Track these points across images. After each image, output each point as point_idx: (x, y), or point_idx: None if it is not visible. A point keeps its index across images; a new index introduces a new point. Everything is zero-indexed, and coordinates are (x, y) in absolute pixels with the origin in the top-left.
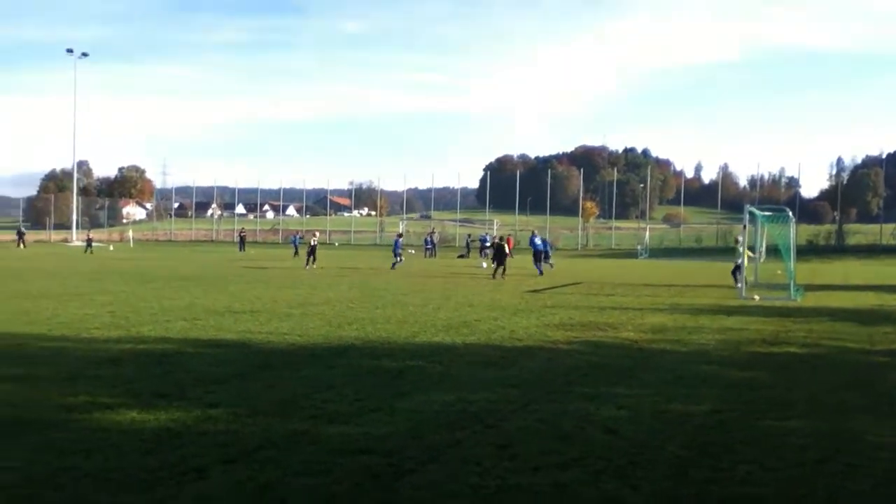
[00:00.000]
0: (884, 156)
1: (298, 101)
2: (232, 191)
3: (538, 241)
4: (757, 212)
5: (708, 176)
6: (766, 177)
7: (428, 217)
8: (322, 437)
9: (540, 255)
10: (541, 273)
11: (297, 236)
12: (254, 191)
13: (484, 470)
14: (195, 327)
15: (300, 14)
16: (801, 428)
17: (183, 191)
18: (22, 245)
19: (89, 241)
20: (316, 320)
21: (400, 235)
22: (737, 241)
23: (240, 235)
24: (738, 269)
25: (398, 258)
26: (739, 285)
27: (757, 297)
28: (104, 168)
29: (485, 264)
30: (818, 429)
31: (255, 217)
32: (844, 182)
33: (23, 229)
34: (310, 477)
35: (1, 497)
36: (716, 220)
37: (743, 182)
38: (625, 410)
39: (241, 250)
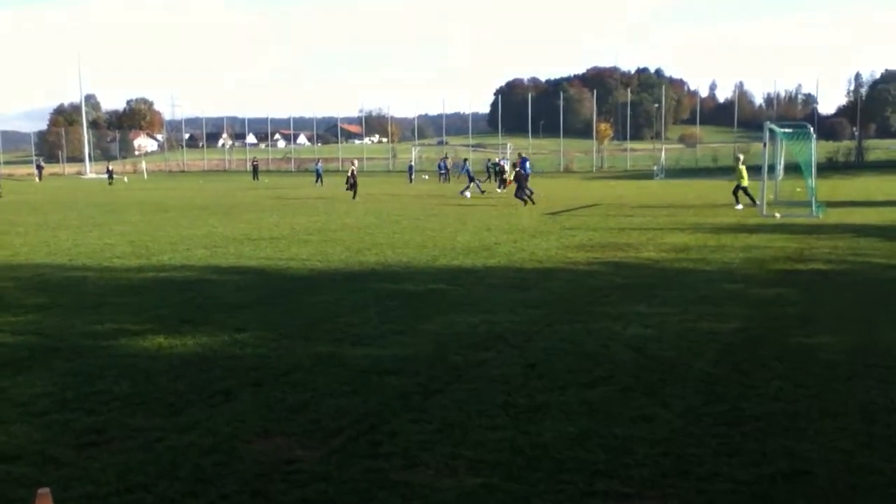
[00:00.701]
0: None
1: (305, 31)
2: (242, 121)
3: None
4: (777, 129)
5: (723, 95)
6: (783, 94)
7: (444, 143)
8: (348, 358)
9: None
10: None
11: (320, 164)
12: (264, 120)
13: (511, 389)
14: (215, 255)
15: None
16: (829, 344)
17: (192, 122)
18: (38, 178)
19: (111, 173)
20: (335, 246)
21: (465, 160)
22: (737, 160)
23: (252, 164)
24: (738, 188)
25: (472, 183)
26: (759, 203)
27: (778, 215)
28: (112, 101)
29: (498, 190)
30: (846, 344)
31: (267, 146)
32: (863, 98)
33: (41, 163)
34: (339, 398)
35: (36, 423)
36: (733, 138)
37: (759, 100)
38: (650, 329)
39: (254, 179)
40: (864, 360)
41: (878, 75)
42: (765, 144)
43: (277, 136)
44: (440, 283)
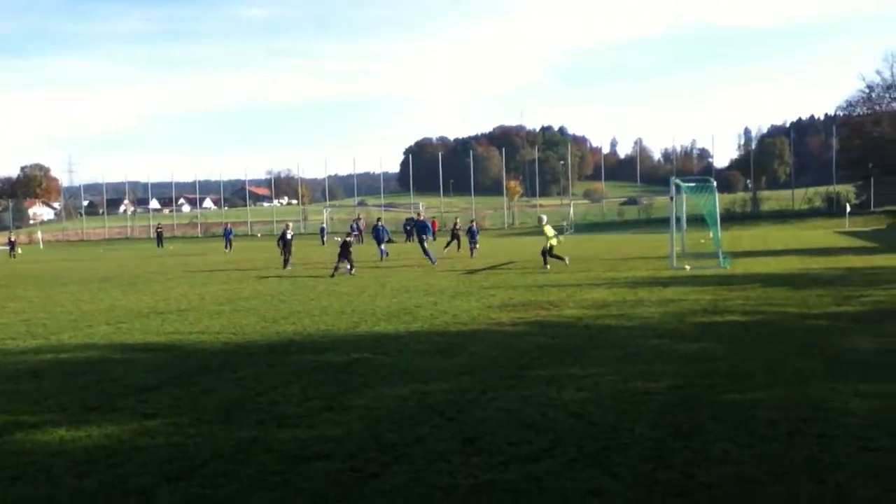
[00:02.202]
0: (788, 125)
1: (208, 92)
2: (144, 185)
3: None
4: (682, 183)
5: (623, 151)
6: (680, 149)
7: (363, 204)
8: (274, 443)
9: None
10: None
11: (229, 228)
12: (168, 185)
13: (452, 468)
14: (119, 331)
15: (203, 1)
16: (763, 399)
17: (92, 188)
18: None
19: (12, 244)
20: (249, 316)
21: (379, 220)
22: (540, 221)
23: (156, 231)
24: (546, 250)
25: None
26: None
27: (688, 267)
28: (5, 168)
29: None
30: (780, 399)
31: (172, 211)
32: (754, 151)
33: None
34: (267, 490)
35: None
36: (635, 193)
37: (657, 155)
38: (585, 392)
39: (159, 246)
40: (799, 416)
41: (765, 130)
42: (671, 198)
43: (182, 200)
44: (364, 352)
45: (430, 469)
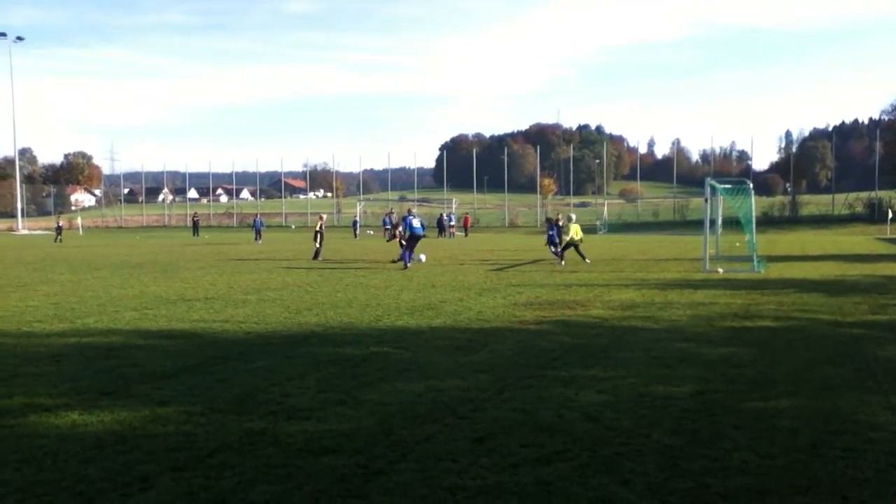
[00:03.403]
0: (830, 128)
1: (249, 84)
2: (183, 175)
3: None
4: (717, 185)
5: (661, 151)
6: (718, 151)
7: (405, 199)
8: (282, 436)
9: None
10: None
11: (259, 220)
12: (205, 175)
13: (461, 468)
14: (145, 317)
15: None
16: (788, 408)
17: (132, 176)
18: None
19: (59, 228)
20: (274, 306)
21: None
22: (570, 220)
23: (193, 220)
24: (569, 245)
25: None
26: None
27: (721, 270)
28: (49, 155)
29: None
30: (806, 409)
31: (209, 201)
32: (794, 154)
33: None
34: (269, 484)
35: None
36: (671, 194)
37: (695, 157)
38: (604, 395)
39: (194, 235)
40: (826, 427)
41: (806, 133)
42: (706, 200)
43: (220, 190)
44: (384, 346)
45: (437, 468)
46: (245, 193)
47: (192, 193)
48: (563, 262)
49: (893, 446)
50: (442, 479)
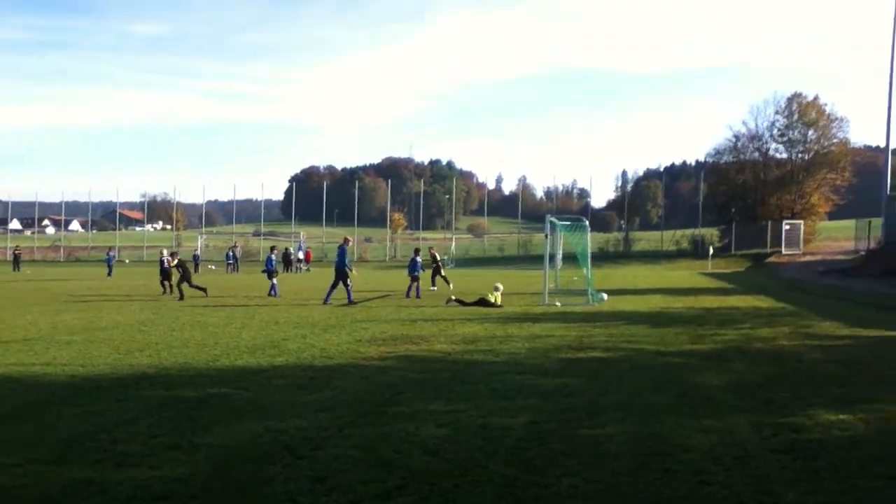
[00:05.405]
0: (662, 168)
1: (83, 108)
2: (5, 204)
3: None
4: (557, 221)
5: (508, 187)
6: (561, 188)
7: (259, 234)
8: (109, 484)
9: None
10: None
11: (111, 254)
12: (31, 204)
13: None
14: None
15: (88, 14)
16: (615, 434)
17: None
18: None
19: (17, 257)
20: (102, 347)
21: (272, 248)
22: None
23: (14, 253)
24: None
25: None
26: (543, 292)
27: (559, 304)
28: None
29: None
30: (631, 434)
31: (34, 233)
32: (629, 193)
33: None
34: None
35: None
36: (516, 229)
37: (540, 193)
38: (444, 428)
39: (15, 270)
40: (646, 451)
41: (640, 173)
42: (546, 235)
43: (46, 221)
44: (221, 387)
45: None
46: (75, 224)
47: (15, 224)
48: (434, 287)
49: (702, 465)
50: None
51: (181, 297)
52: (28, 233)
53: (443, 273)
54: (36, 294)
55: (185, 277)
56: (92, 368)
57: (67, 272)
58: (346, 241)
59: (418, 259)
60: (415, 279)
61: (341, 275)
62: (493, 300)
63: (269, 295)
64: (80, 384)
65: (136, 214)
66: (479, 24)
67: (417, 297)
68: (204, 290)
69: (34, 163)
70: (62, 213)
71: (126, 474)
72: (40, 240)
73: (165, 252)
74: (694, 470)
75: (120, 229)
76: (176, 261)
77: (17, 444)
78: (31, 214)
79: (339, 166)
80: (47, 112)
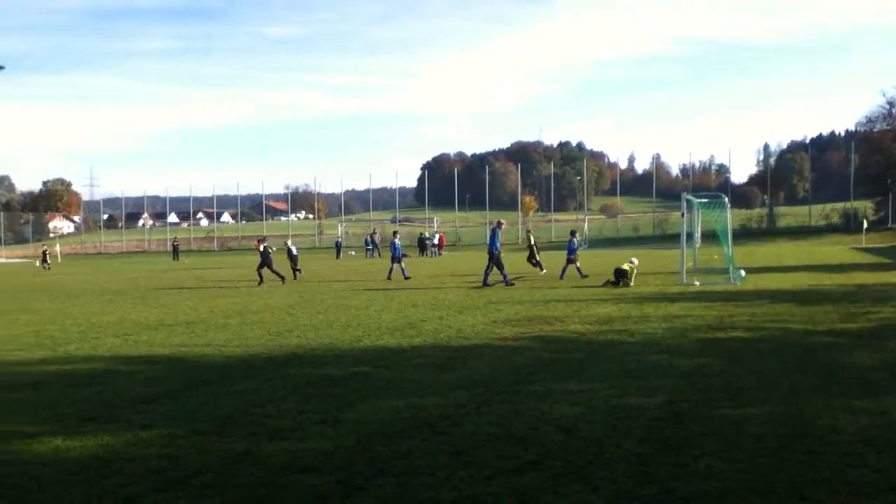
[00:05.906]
0: (807, 140)
1: (227, 108)
2: (163, 200)
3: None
4: (694, 199)
5: (641, 166)
6: (697, 165)
7: (395, 220)
8: (263, 455)
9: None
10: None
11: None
12: (186, 199)
13: (437, 481)
14: (126, 343)
15: (223, 20)
16: (756, 415)
17: (112, 202)
18: None
19: (45, 255)
20: (255, 329)
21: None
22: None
23: (173, 244)
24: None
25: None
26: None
27: (697, 283)
28: (28, 182)
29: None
30: (773, 415)
31: (189, 225)
32: (772, 167)
33: None
34: (250, 502)
35: None
36: (651, 208)
37: (675, 171)
38: (579, 407)
39: (174, 260)
40: (790, 432)
41: (784, 145)
42: (683, 214)
43: (200, 214)
44: (364, 366)
45: (415, 482)
46: (226, 216)
47: (173, 218)
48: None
49: (851, 448)
50: (419, 492)
51: (260, 282)
52: (184, 225)
53: (537, 258)
54: (194, 281)
55: (266, 263)
56: (246, 349)
57: (221, 261)
58: (499, 223)
59: (575, 240)
60: (571, 261)
61: (494, 257)
62: (628, 269)
63: (388, 279)
64: (235, 364)
65: (280, 205)
66: (609, 3)
67: (560, 278)
68: (282, 277)
69: (189, 160)
70: (214, 206)
71: (277, 447)
72: (195, 231)
73: (290, 242)
74: (841, 452)
75: (266, 219)
76: (262, 247)
77: (181, 419)
78: (186, 208)
79: (468, 152)
80: (195, 114)
